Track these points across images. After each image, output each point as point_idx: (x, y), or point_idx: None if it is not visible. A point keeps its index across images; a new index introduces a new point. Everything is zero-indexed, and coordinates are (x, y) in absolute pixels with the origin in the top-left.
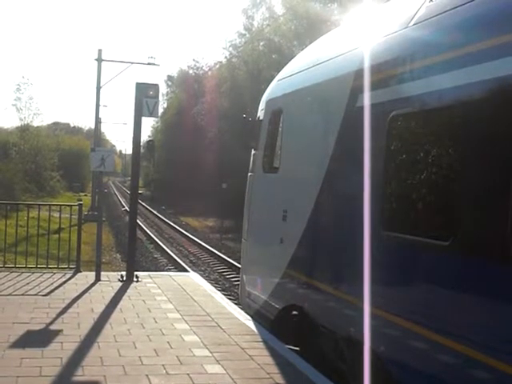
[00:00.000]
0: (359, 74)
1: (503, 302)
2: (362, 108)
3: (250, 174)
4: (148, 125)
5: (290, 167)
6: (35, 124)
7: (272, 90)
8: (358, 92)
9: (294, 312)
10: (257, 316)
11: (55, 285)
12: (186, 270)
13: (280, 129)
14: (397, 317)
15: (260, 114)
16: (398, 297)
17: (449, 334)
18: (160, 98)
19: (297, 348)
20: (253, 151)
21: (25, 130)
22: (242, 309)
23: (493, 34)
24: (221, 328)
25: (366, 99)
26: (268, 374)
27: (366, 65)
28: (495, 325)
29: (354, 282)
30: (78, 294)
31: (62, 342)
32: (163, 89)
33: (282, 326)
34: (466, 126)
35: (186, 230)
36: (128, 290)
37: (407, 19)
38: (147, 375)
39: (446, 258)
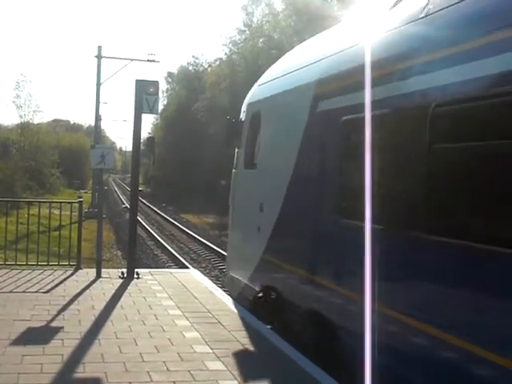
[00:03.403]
0: (319, 83)
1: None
2: (321, 113)
3: (233, 170)
4: (148, 122)
5: (265, 164)
6: (35, 121)
7: (252, 94)
8: (319, 99)
9: (271, 293)
10: (239, 298)
11: (56, 282)
12: (187, 267)
13: (258, 130)
14: (348, 291)
15: (242, 115)
16: (350, 274)
17: (390, 305)
18: (160, 94)
19: (269, 326)
20: (236, 149)
21: (25, 127)
22: (226, 292)
23: (414, 56)
24: (221, 324)
25: (324, 105)
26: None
27: (324, 75)
28: (412, 289)
29: (317, 263)
30: (78, 291)
31: (62, 339)
32: (163, 85)
33: (260, 305)
34: (397, 130)
35: (186, 227)
36: (129, 287)
37: (357, 38)
38: (148, 372)
39: (384, 240)
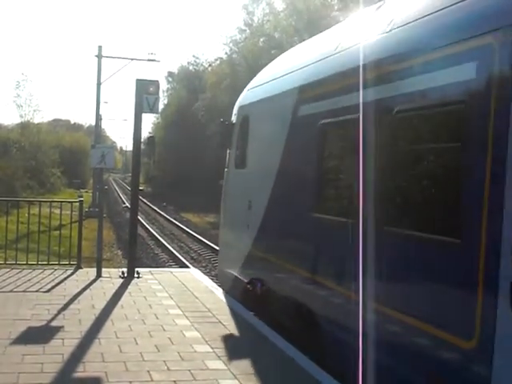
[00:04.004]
0: (300, 90)
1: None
2: (301, 117)
3: (225, 169)
4: (149, 121)
5: (254, 164)
6: (35, 121)
7: (242, 98)
8: (300, 104)
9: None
10: (230, 290)
11: (56, 281)
12: (187, 266)
13: (247, 132)
14: (323, 278)
15: (233, 118)
16: (324, 264)
17: (356, 291)
18: (160, 94)
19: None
20: (228, 150)
21: (25, 126)
22: (219, 285)
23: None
24: (222, 324)
25: (304, 110)
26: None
27: (304, 83)
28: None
29: (298, 255)
30: (79, 290)
31: (63, 339)
32: (164, 85)
33: (248, 296)
34: (363, 133)
35: (186, 226)
36: (129, 287)
37: (334, 48)
38: (148, 371)
39: (351, 232)
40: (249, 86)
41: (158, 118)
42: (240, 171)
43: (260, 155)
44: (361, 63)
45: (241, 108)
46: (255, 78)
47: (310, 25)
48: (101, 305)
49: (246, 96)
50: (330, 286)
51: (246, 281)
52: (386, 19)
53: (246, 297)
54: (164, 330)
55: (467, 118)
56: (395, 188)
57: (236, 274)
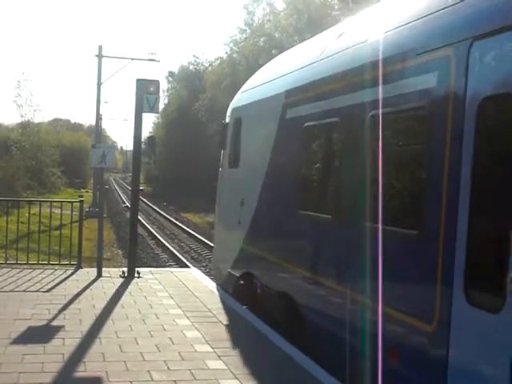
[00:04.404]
0: (286, 94)
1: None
2: (288, 120)
3: (220, 168)
4: (149, 121)
5: (245, 164)
6: (36, 120)
7: (235, 101)
8: (287, 107)
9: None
10: (223, 284)
11: (57, 281)
12: (188, 266)
13: (240, 133)
14: (305, 270)
15: (227, 119)
16: (306, 256)
17: (338, 282)
18: (161, 93)
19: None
20: (222, 151)
21: (25, 126)
22: (213, 279)
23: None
24: (222, 324)
25: (290, 113)
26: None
27: (289, 88)
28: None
29: (284, 250)
30: (79, 290)
31: (63, 338)
32: (164, 85)
33: (240, 289)
34: (338, 134)
35: (187, 226)
36: (129, 286)
37: (315, 57)
38: (149, 371)
39: (329, 226)
40: (242, 89)
41: (158, 118)
42: (233, 170)
43: (251, 155)
44: (334, 72)
45: (234, 110)
46: (248, 81)
47: (311, 24)
48: (101, 304)
49: (239, 98)
50: (311, 276)
51: (237, 275)
52: (362, 31)
53: (237, 290)
54: (164, 329)
55: (428, 122)
56: (367, 186)
57: (228, 269)
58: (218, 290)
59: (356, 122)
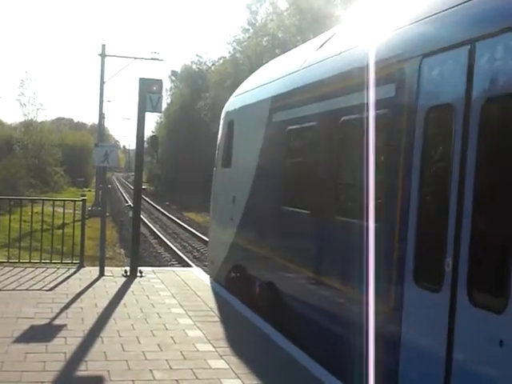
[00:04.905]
0: (272, 100)
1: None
2: (274, 123)
3: (214, 168)
4: (152, 120)
5: (237, 163)
6: (39, 119)
7: (228, 105)
8: (273, 112)
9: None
10: (217, 278)
11: (59, 280)
12: (190, 266)
13: (232, 134)
14: (287, 261)
15: (221, 122)
16: (290, 248)
17: (315, 269)
18: (164, 93)
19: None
20: (217, 151)
21: (28, 125)
22: (208, 273)
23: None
24: (224, 323)
25: (275, 117)
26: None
27: (275, 94)
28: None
29: (271, 243)
30: (81, 289)
31: (65, 337)
32: (167, 84)
33: (231, 281)
34: (314, 137)
35: (189, 225)
36: (132, 285)
37: (298, 66)
38: (151, 370)
39: (307, 220)
40: (234, 94)
41: (161, 117)
42: (226, 170)
43: (241, 156)
44: (312, 81)
45: (227, 114)
46: (240, 86)
47: (314, 24)
48: (103, 303)
49: (232, 102)
50: (293, 266)
51: (229, 268)
52: (336, 45)
53: (229, 282)
54: (166, 328)
55: (387, 127)
56: (337, 184)
57: (221, 262)
58: (211, 282)
59: (329, 127)
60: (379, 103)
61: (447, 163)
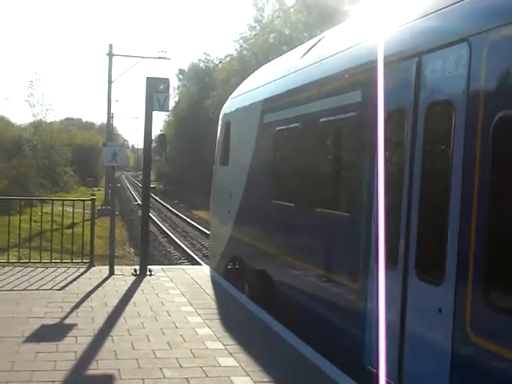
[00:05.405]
0: (264, 102)
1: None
2: (265, 124)
3: (214, 166)
4: (160, 119)
5: (233, 161)
6: (48, 120)
7: (226, 106)
8: (264, 114)
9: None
10: (218, 268)
11: (69, 279)
12: (199, 264)
13: (229, 134)
14: (277, 250)
15: (219, 123)
16: (280, 239)
17: (303, 258)
18: (171, 91)
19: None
20: (215, 150)
21: (38, 125)
22: (209, 265)
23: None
24: (234, 321)
25: (266, 119)
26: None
27: (266, 97)
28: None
29: (262, 234)
30: (91, 288)
31: (76, 336)
32: (174, 82)
33: (229, 271)
34: (298, 137)
35: (198, 224)
36: (141, 284)
37: (286, 71)
38: (161, 368)
39: (292, 212)
40: (231, 96)
41: (169, 116)
42: (224, 167)
43: (237, 154)
44: (296, 86)
45: (224, 115)
46: (236, 89)
47: (320, 20)
48: (113, 302)
49: (229, 104)
50: (281, 255)
51: (227, 259)
52: (316, 53)
53: (227, 272)
54: (176, 327)
55: (357, 129)
56: (317, 179)
57: (220, 254)
58: (210, 271)
59: (310, 128)
60: (348, 107)
61: (397, 161)
